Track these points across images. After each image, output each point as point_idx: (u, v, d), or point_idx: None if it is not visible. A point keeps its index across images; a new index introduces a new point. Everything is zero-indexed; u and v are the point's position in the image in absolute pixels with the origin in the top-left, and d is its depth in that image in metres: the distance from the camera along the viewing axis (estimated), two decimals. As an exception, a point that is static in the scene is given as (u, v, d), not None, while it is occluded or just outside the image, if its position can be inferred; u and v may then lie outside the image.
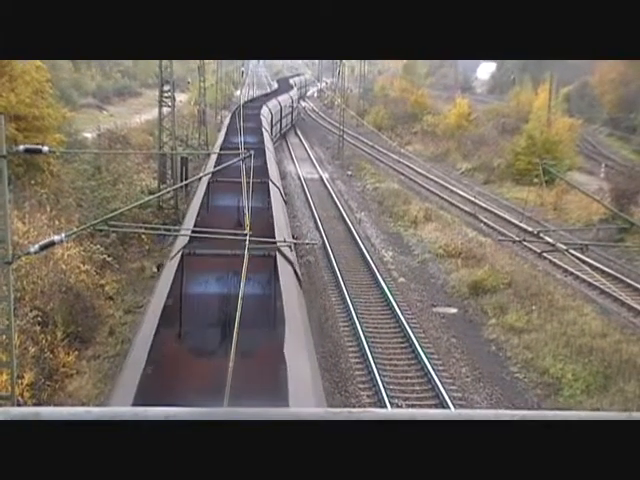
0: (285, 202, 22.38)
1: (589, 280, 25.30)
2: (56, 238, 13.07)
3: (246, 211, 13.75)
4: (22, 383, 14.88)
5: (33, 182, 25.60)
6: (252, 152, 15.00)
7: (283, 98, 63.50)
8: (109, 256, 24.24)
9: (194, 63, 48.55)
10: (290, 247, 14.84)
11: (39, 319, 17.58)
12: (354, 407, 16.58)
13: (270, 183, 19.88)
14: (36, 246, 13.31)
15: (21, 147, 14.21)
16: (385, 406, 16.38)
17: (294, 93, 75.12)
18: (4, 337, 13.95)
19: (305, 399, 8.56)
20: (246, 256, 9.94)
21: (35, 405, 15.21)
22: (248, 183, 14.31)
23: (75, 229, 18.14)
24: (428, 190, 42.37)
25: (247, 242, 11.84)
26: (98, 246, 23.89)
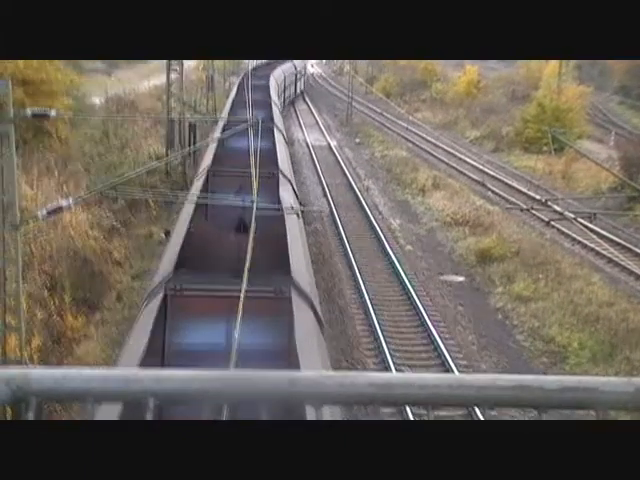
0: (298, 198, 18.15)
1: (597, 249, 25.24)
2: (64, 203, 13.14)
3: (254, 179, 13.66)
4: (31, 347, 15.00)
5: (41, 147, 25.64)
6: (259, 119, 14.81)
7: (291, 65, 63.05)
8: (117, 222, 24.28)
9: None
10: (309, 282, 11.47)
11: (47, 284, 17.68)
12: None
13: (280, 176, 17.23)
14: (44, 211, 13.37)
15: (28, 111, 14.21)
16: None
17: (300, 60, 74.49)
18: (12, 301, 14.04)
19: None
20: (242, 298, 7.53)
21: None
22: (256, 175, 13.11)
23: (83, 194, 18.17)
24: (436, 158, 42.19)
25: (254, 210, 11.78)
26: (106, 211, 23.93)
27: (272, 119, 26.80)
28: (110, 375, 1.43)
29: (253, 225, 10.26)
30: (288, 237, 12.16)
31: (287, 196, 15.89)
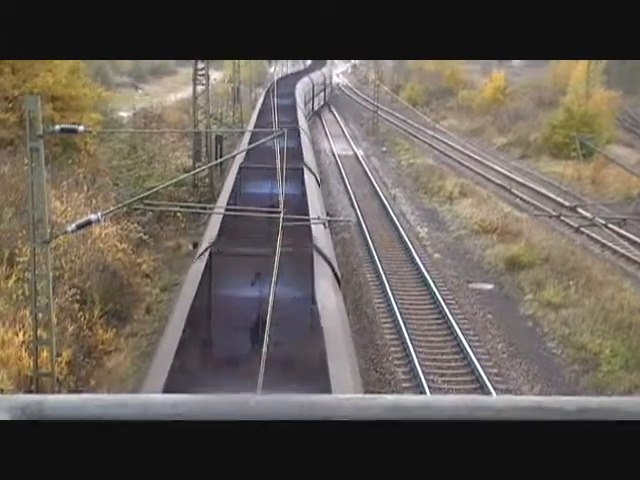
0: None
1: (628, 255, 24.97)
2: (93, 217, 13.25)
3: (280, 191, 13.66)
4: (62, 361, 15.13)
5: (70, 161, 25.88)
6: (285, 130, 14.67)
7: (316, 75, 63.23)
8: (145, 234, 24.47)
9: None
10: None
11: (77, 297, 17.83)
12: (390, 383, 16.62)
13: (315, 253, 12.65)
14: (73, 225, 13.51)
15: (57, 127, 14.39)
16: (421, 383, 16.40)
17: (327, 70, 74.73)
18: (43, 315, 14.18)
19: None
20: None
21: (76, 382, 15.47)
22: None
23: (112, 208, 18.33)
24: (463, 165, 42.03)
25: (281, 220, 11.79)
26: (135, 225, 24.12)
27: (301, 157, 20.85)
28: (126, 400, 1.43)
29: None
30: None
31: (325, 288, 11.57)
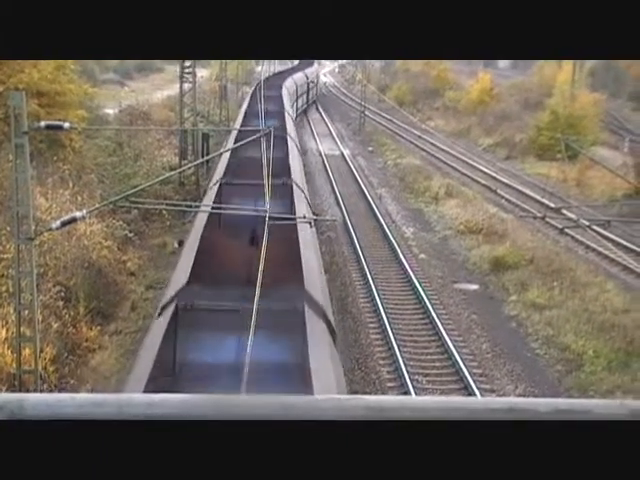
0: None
1: (612, 256, 25.11)
2: (77, 214, 13.20)
3: (266, 190, 13.64)
4: (45, 358, 15.07)
5: (56, 158, 25.73)
6: (272, 129, 14.63)
7: (304, 74, 63.19)
8: (131, 232, 24.39)
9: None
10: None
11: (62, 294, 17.76)
12: (374, 383, 16.65)
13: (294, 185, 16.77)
14: (58, 222, 13.45)
15: (42, 123, 14.32)
16: (406, 383, 16.44)
17: (314, 69, 74.65)
18: (27, 312, 14.12)
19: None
20: (254, 313, 7.74)
21: (60, 379, 15.42)
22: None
23: (97, 205, 18.25)
24: (449, 166, 42.14)
25: (267, 219, 11.79)
26: (120, 222, 24.04)
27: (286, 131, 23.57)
28: (104, 400, 1.44)
29: (266, 236, 10.05)
30: (301, 247, 12.00)
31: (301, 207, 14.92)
